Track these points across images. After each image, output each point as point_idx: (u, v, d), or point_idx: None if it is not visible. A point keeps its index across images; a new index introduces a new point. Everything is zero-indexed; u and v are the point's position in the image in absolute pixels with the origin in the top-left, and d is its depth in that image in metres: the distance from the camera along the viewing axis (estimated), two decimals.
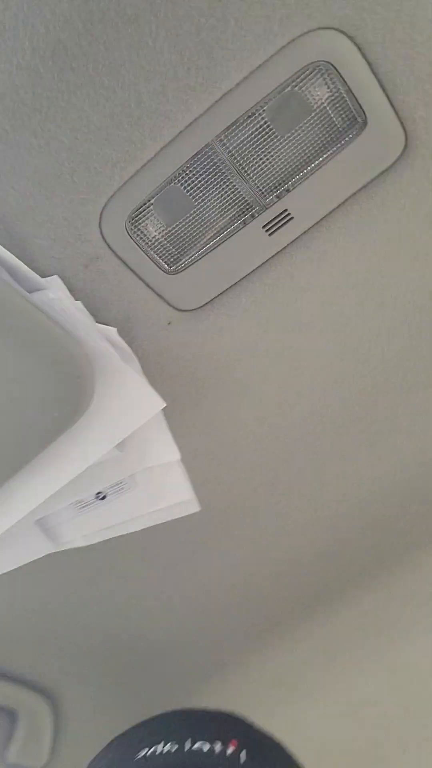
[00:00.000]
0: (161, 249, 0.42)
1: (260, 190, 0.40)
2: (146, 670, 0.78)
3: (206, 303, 0.45)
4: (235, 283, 0.44)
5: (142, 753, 0.51)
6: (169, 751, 0.50)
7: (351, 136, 0.39)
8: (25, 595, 0.67)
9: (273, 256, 0.43)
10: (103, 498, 0.55)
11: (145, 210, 0.40)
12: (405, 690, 0.80)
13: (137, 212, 0.40)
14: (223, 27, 0.34)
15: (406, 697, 0.82)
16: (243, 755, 0.49)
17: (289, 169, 0.40)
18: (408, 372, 0.53)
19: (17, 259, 0.40)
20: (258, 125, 0.38)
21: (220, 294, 0.45)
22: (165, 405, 0.48)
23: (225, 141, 0.38)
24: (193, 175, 0.39)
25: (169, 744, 0.50)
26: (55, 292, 0.42)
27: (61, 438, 0.49)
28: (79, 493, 0.54)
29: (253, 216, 0.41)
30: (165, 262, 0.43)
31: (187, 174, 0.39)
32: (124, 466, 0.53)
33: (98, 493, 0.55)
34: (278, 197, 0.41)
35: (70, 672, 0.75)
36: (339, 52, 0.35)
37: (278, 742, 0.57)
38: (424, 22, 0.35)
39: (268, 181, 0.40)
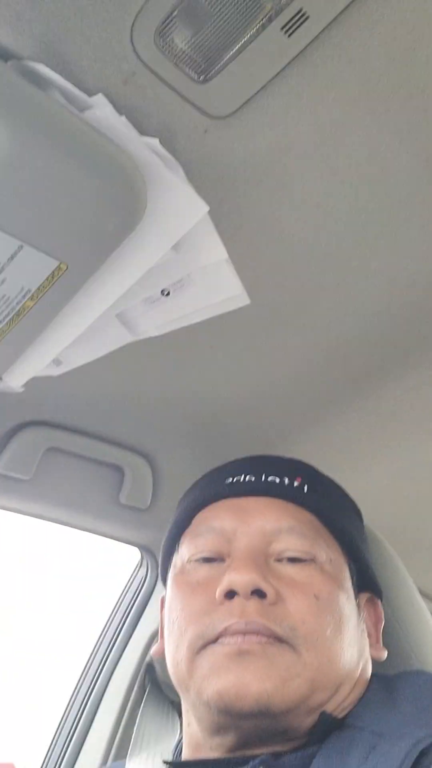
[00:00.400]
0: (190, 60, 0.47)
1: None
2: (228, 436, 0.94)
3: (237, 109, 0.50)
4: (262, 87, 0.49)
5: (229, 480, 0.68)
6: (250, 480, 0.67)
7: None
8: (120, 378, 0.82)
9: (295, 57, 0.47)
10: (168, 294, 0.66)
11: (170, 23, 0.44)
12: None
13: (163, 26, 0.44)
14: None
15: None
16: (306, 487, 0.66)
17: None
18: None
19: (66, 81, 0.47)
20: None
21: (249, 99, 0.49)
22: (209, 208, 0.56)
23: None
24: None
25: (249, 475, 0.67)
26: (101, 109, 0.49)
27: (125, 242, 0.58)
28: (147, 290, 0.65)
29: (270, 18, 0.45)
30: (195, 72, 0.47)
31: None
32: (181, 266, 0.63)
33: (163, 290, 0.66)
34: None
35: (164, 437, 0.93)
36: None
37: (334, 481, 0.72)
38: None
39: None
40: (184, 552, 0.67)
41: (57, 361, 0.73)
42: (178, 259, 0.62)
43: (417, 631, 0.72)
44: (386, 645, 0.67)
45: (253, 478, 0.68)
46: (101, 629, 1.07)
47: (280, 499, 0.66)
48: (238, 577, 0.58)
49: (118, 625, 1.05)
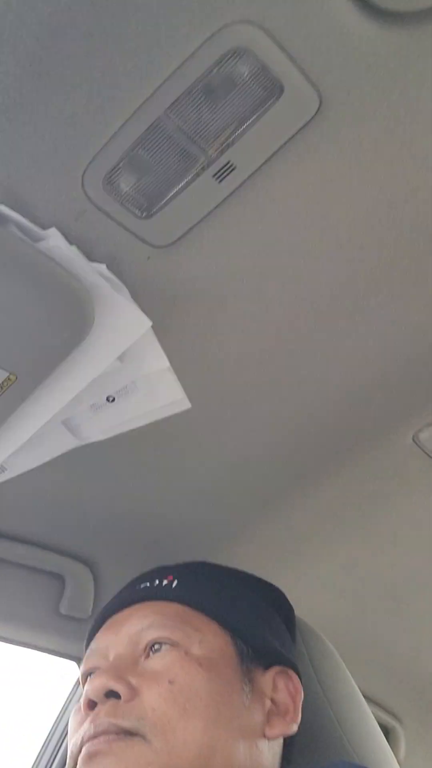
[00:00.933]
0: (134, 200, 0.55)
1: (205, 147, 0.52)
2: (171, 540, 0.96)
3: (176, 240, 0.58)
4: (197, 223, 0.57)
5: (112, 600, 0.74)
6: (125, 594, 0.73)
7: (272, 100, 0.50)
8: (62, 484, 0.85)
9: (225, 199, 0.56)
10: (113, 401, 0.71)
11: (116, 172, 0.52)
12: (386, 550, 0.97)
13: (110, 174, 0.52)
14: (159, 27, 0.45)
15: (388, 557, 0.99)
16: (174, 582, 0.70)
17: (227, 130, 0.51)
18: (352, 285, 0.66)
19: (22, 217, 0.53)
20: (196, 100, 0.49)
21: (186, 232, 0.58)
22: (152, 323, 0.62)
23: (171, 114, 0.49)
24: (151, 142, 0.51)
25: (126, 589, 0.74)
26: (54, 240, 0.56)
27: (73, 354, 0.64)
28: (93, 397, 0.70)
29: (203, 168, 0.53)
30: (138, 210, 0.55)
31: (146, 142, 0.51)
32: (125, 375, 0.68)
33: (108, 396, 0.71)
34: (221, 152, 0.53)
35: (106, 543, 0.94)
36: (252, 39, 0.46)
37: (222, 568, 0.76)
38: (317, 11, 0.45)
39: (211, 140, 0.52)
40: (80, 676, 0.71)
41: (1, 468, 0.76)
42: (123, 368, 0.68)
43: (356, 725, 0.73)
44: (321, 737, 0.69)
45: (127, 592, 0.74)
46: (40, 747, 1.02)
47: (149, 601, 0.70)
48: (89, 686, 0.62)
49: (56, 745, 1.01)
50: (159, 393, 0.71)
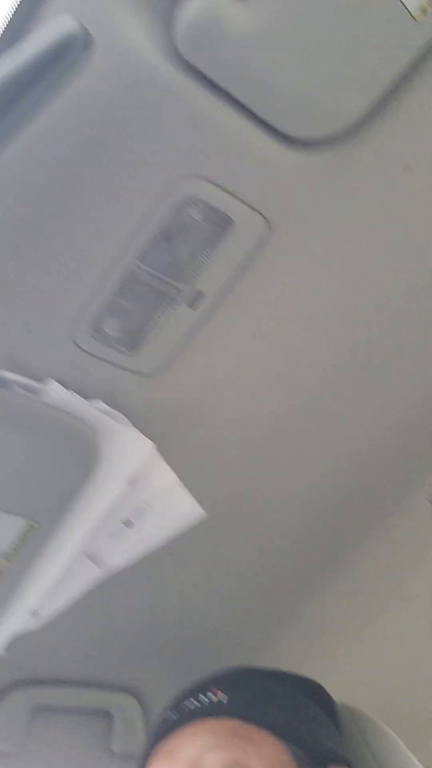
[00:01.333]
0: (120, 341, 0.60)
1: (176, 283, 0.58)
2: (214, 652, 0.96)
3: (163, 366, 0.64)
4: (179, 348, 0.63)
5: (159, 726, 0.73)
6: (173, 717, 0.71)
7: (226, 232, 0.57)
8: (95, 618, 0.85)
9: (200, 323, 0.61)
10: (130, 525, 0.74)
11: (101, 320, 0.58)
12: (425, 615, 0.98)
13: (96, 323, 0.58)
14: (119, 193, 0.52)
15: (428, 621, 0.99)
16: (222, 696, 0.70)
17: (192, 265, 0.58)
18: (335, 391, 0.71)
19: (22, 377, 0.58)
20: (160, 246, 0.56)
21: (171, 358, 0.63)
22: (154, 444, 0.67)
23: (141, 263, 0.56)
24: (128, 289, 0.57)
25: (173, 711, 0.72)
26: (54, 390, 0.61)
27: (87, 486, 0.67)
28: (110, 525, 0.73)
29: (177, 301, 0.59)
30: (125, 348, 0.61)
31: (123, 290, 0.57)
32: (138, 497, 0.72)
33: (125, 521, 0.73)
34: (191, 284, 0.59)
35: (149, 668, 0.94)
36: (198, 188, 0.53)
37: (262, 670, 0.76)
38: (242, 151, 0.53)
39: (179, 276, 0.58)
40: None
41: (35, 614, 0.77)
42: (134, 491, 0.71)
43: None
44: None
45: (174, 713, 0.73)
46: None
47: (200, 720, 0.69)
48: None
49: None
50: (173, 507, 0.74)
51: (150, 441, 0.67)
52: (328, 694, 0.78)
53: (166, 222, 0.54)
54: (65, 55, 0.38)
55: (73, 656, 0.88)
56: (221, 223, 0.56)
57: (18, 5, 0.42)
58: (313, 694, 0.77)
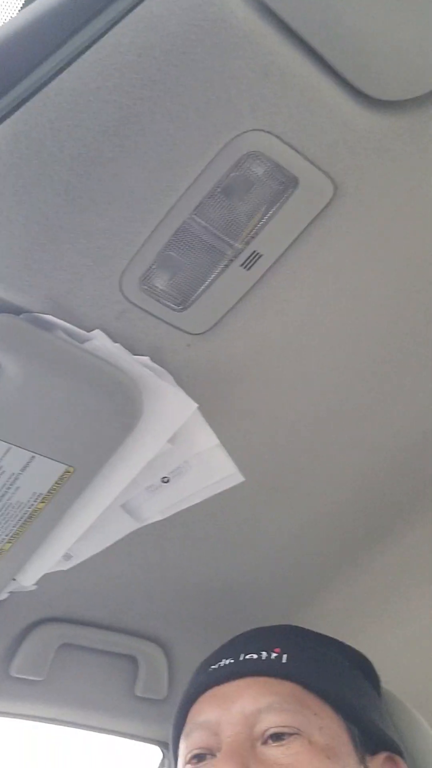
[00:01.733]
0: (169, 296, 0.59)
1: (231, 241, 0.56)
2: (240, 612, 0.97)
3: (212, 326, 0.62)
4: (230, 309, 0.61)
5: (211, 668, 0.70)
6: (228, 663, 0.69)
7: (289, 192, 0.54)
8: (127, 565, 0.87)
9: (254, 285, 0.59)
10: (168, 481, 0.74)
11: (151, 273, 0.57)
12: None
13: (145, 275, 0.57)
14: (177, 145, 0.50)
15: None
16: (285, 657, 0.68)
17: (250, 223, 0.55)
18: (394, 358, 0.68)
19: (69, 324, 0.58)
20: (218, 201, 0.53)
21: (221, 319, 0.61)
22: (198, 405, 0.66)
23: (196, 216, 0.54)
24: (180, 243, 0.55)
25: (227, 658, 0.70)
26: (100, 340, 0.60)
27: (127, 441, 0.67)
28: (148, 479, 0.73)
29: (231, 260, 0.57)
30: (174, 304, 0.60)
31: (175, 243, 0.55)
32: (177, 456, 0.72)
33: (163, 477, 0.74)
34: (246, 243, 0.56)
35: (176, 621, 0.96)
36: (263, 143, 0.50)
37: (324, 639, 0.74)
38: (317, 108, 0.49)
39: (235, 234, 0.56)
40: (181, 753, 0.69)
41: (67, 556, 0.79)
42: (174, 450, 0.71)
43: None
44: None
45: (231, 661, 0.70)
46: None
47: (259, 676, 0.67)
48: None
49: None
50: (211, 470, 0.73)
51: (193, 401, 0.66)
52: (376, 673, 0.76)
53: (226, 176, 0.52)
54: None
55: (103, 601, 0.90)
56: (285, 182, 0.54)
57: None
58: (367, 674, 0.75)
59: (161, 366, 0.64)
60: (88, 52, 0.40)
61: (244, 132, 0.50)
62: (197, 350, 0.64)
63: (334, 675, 0.70)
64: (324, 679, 0.68)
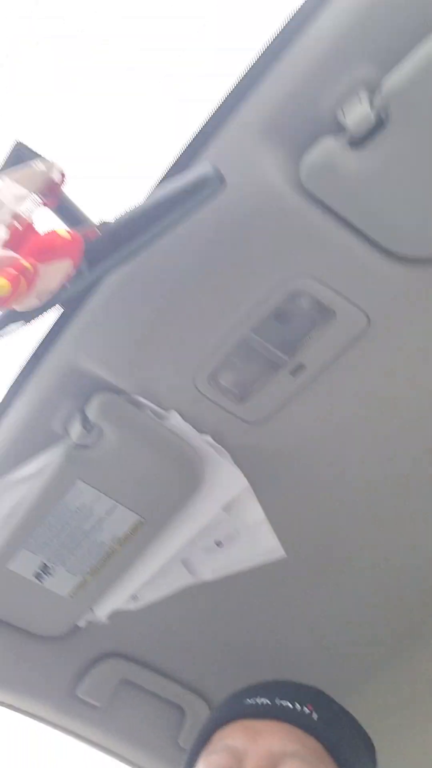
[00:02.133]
0: (230, 391, 0.75)
1: (281, 354, 0.72)
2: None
3: (264, 418, 0.77)
4: (280, 406, 0.76)
5: (245, 702, 0.79)
6: (264, 703, 0.77)
7: (328, 320, 0.69)
8: (188, 617, 1.00)
9: (299, 390, 0.74)
10: (220, 545, 0.88)
11: (216, 372, 0.74)
12: None
13: (212, 374, 0.74)
14: (244, 280, 0.67)
15: None
16: (315, 715, 0.75)
17: (296, 341, 0.71)
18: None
19: (153, 404, 0.76)
20: (271, 323, 0.70)
21: (272, 413, 0.77)
22: (249, 483, 0.80)
23: (253, 333, 0.71)
24: (241, 352, 0.72)
25: (263, 698, 0.78)
26: (174, 419, 0.78)
27: (189, 503, 0.83)
28: (204, 540, 0.87)
29: (282, 368, 0.73)
30: (235, 397, 0.76)
31: (237, 352, 0.72)
32: (230, 524, 0.86)
33: (217, 541, 0.87)
34: (294, 356, 0.72)
35: (223, 682, 1.05)
36: (308, 284, 0.67)
37: (346, 712, 0.81)
38: (352, 262, 0.65)
39: (284, 349, 0.72)
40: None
41: (134, 597, 0.94)
42: (227, 518, 0.85)
43: None
44: None
45: (266, 702, 0.77)
46: None
47: (290, 723, 0.74)
48: None
49: None
50: (257, 541, 0.86)
51: (245, 478, 0.80)
52: (376, 758, 0.82)
53: (278, 305, 0.69)
54: (202, 188, 0.55)
55: (163, 647, 1.03)
56: (324, 312, 0.69)
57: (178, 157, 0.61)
58: (371, 751, 0.82)
59: (221, 444, 0.80)
60: (180, 224, 0.59)
61: (292, 276, 0.67)
62: (251, 436, 0.79)
63: (352, 747, 0.78)
64: (344, 748, 0.75)
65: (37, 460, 0.82)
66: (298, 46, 0.57)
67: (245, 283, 0.67)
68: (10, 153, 0.60)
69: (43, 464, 0.82)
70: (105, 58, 1.02)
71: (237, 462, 0.81)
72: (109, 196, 0.76)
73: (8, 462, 0.83)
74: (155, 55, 1.01)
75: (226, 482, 0.82)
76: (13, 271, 0.52)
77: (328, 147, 0.59)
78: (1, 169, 0.59)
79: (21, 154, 0.60)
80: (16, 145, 0.60)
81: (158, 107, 1.02)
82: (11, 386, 0.79)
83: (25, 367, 0.76)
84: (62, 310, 0.71)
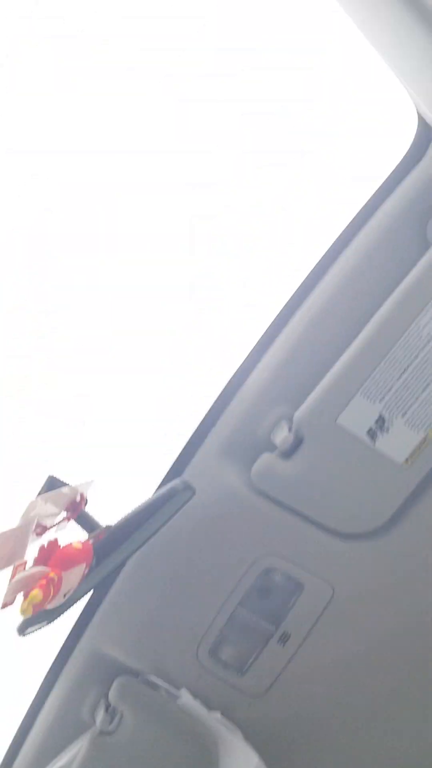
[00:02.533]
0: (230, 665, 0.87)
1: (267, 624, 0.85)
2: None
3: (265, 691, 0.87)
4: (276, 677, 0.86)
5: None
6: None
7: (298, 593, 0.84)
8: None
9: (290, 655, 0.85)
10: None
11: (215, 647, 0.86)
12: None
13: (212, 649, 0.86)
14: (218, 568, 0.85)
15: None
16: None
17: (279, 611, 0.85)
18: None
19: (167, 684, 0.87)
20: (253, 595, 0.85)
21: (271, 685, 0.86)
22: (258, 759, 0.85)
23: (240, 607, 0.85)
24: (234, 625, 0.86)
25: None
26: (185, 698, 0.88)
27: None
28: None
29: (269, 638, 0.85)
30: (234, 671, 0.87)
31: (230, 626, 0.86)
32: None
33: None
34: (278, 626, 0.85)
35: None
36: (277, 562, 0.83)
37: None
38: (308, 542, 0.83)
39: (271, 618, 0.85)
40: None
41: None
42: None
43: None
44: None
45: None
46: None
47: None
48: None
49: None
50: None
51: (256, 755, 0.86)
52: None
53: (256, 581, 0.84)
54: (174, 497, 0.77)
55: None
56: (296, 586, 0.84)
57: None
58: None
59: (230, 719, 0.87)
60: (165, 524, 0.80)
61: (263, 555, 0.84)
62: (256, 709, 0.87)
63: None
64: None
65: (68, 752, 0.90)
66: (238, 398, 0.84)
67: (226, 565, 0.85)
68: (45, 484, 0.84)
69: (72, 756, 0.90)
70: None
71: (246, 735, 0.87)
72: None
73: (46, 754, 0.91)
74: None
75: (238, 757, 0.87)
76: (44, 582, 0.72)
77: (268, 459, 0.82)
78: (39, 494, 0.84)
79: (53, 484, 0.84)
80: (48, 478, 0.85)
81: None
82: (44, 679, 0.92)
83: (56, 660, 0.91)
84: (85, 604, 0.89)
